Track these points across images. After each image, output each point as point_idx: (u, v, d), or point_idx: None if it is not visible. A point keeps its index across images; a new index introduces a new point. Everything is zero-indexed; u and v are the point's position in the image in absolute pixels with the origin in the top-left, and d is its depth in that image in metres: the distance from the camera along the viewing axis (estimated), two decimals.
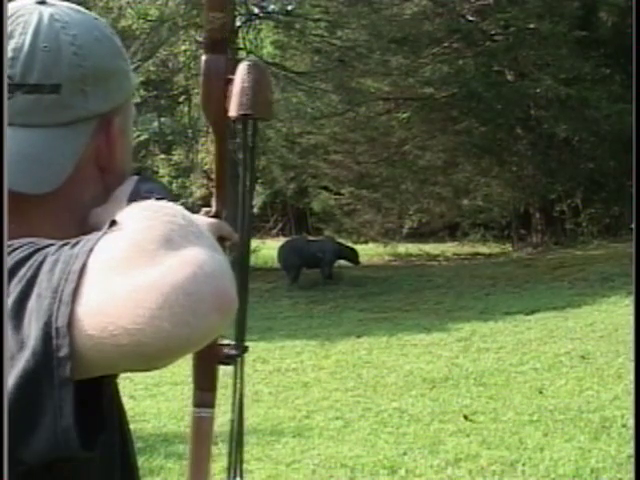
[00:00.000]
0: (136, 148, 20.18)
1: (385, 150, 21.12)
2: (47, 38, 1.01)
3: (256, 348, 9.36)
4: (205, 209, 1.33)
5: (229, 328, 1.21)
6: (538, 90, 18.88)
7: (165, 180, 23.85)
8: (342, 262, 17.07)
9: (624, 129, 14.84)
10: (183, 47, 20.96)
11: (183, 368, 8.12)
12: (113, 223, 0.84)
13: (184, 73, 21.30)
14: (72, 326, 0.78)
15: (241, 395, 1.38)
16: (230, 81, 1.25)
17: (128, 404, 1.28)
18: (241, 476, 1.38)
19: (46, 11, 1.03)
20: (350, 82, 19.61)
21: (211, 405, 1.29)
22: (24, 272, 0.83)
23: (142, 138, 22.49)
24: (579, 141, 20.20)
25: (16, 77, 0.99)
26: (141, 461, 5.31)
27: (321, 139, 21.33)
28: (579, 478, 5.29)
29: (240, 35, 18.55)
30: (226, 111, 1.25)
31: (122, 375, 0.91)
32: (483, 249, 21.55)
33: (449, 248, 21.97)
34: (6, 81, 0.95)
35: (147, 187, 1.06)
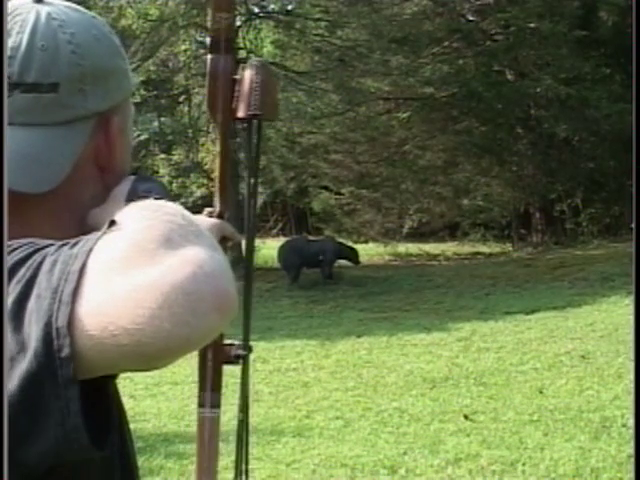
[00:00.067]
0: (136, 148, 20.18)
1: (385, 150, 21.12)
2: (45, 37, 1.01)
3: (256, 348, 9.29)
4: (208, 209, 1.33)
5: (234, 328, 1.21)
6: (538, 90, 18.88)
7: (165, 180, 23.86)
8: (342, 262, 17.07)
9: (624, 129, 14.84)
10: (183, 47, 20.97)
11: (183, 368, 8.18)
12: (112, 223, 0.84)
13: (184, 73, 21.32)
14: (72, 326, 0.78)
15: (247, 395, 1.38)
16: (235, 81, 1.25)
17: (128, 404, 1.28)
18: (247, 476, 1.38)
19: (43, 10, 1.03)
20: (350, 82, 19.62)
21: (217, 405, 1.30)
22: (23, 272, 0.83)
23: (142, 138, 22.50)
24: (579, 141, 20.20)
25: (14, 76, 0.99)
26: (141, 461, 5.32)
27: (321, 139, 21.34)
28: (579, 478, 5.29)
29: (240, 35, 18.54)
30: (232, 111, 1.25)
31: (122, 375, 0.91)
32: (483, 249, 21.55)
33: (449, 248, 21.97)
34: (6, 81, 0.95)
35: (145, 186, 1.06)
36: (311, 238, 18.99)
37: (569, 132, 19.44)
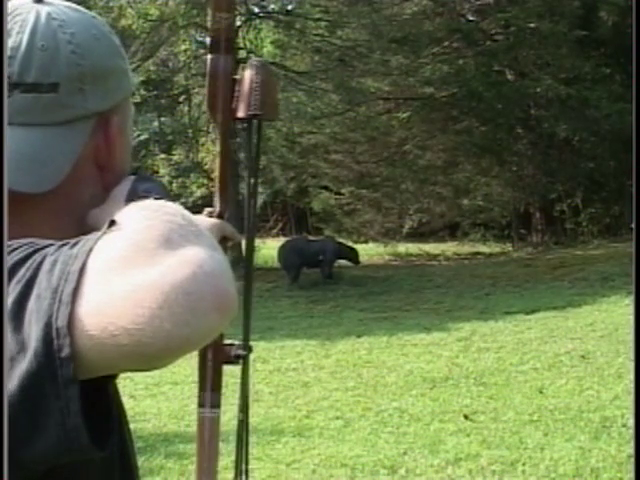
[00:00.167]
0: (136, 148, 20.19)
1: (385, 150, 21.13)
2: (44, 37, 1.01)
3: (256, 348, 9.28)
4: (208, 209, 1.33)
5: (234, 328, 1.21)
6: (538, 90, 18.89)
7: (165, 180, 23.85)
8: (342, 262, 17.07)
9: (624, 129, 14.84)
10: (183, 47, 20.98)
11: (183, 368, 8.18)
12: (112, 223, 0.84)
13: (184, 73, 21.33)
14: (72, 326, 0.78)
15: (247, 395, 1.38)
16: (235, 81, 1.25)
17: (128, 404, 1.28)
18: (247, 476, 1.38)
19: (43, 10, 1.03)
20: (350, 82, 19.62)
21: (217, 405, 1.30)
22: (23, 273, 0.83)
23: (142, 138, 22.51)
24: (579, 141, 20.20)
25: (14, 76, 0.99)
26: (141, 461, 5.32)
27: (321, 139, 21.34)
28: (579, 478, 5.29)
29: (240, 35, 18.55)
30: (232, 111, 1.25)
31: (122, 375, 0.91)
32: (483, 249, 21.55)
33: (449, 248, 21.97)
34: (6, 81, 0.95)
35: (145, 186, 1.06)
36: (311, 238, 19.00)
37: (569, 132, 19.44)
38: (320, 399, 7.76)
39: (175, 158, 24.49)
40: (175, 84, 22.22)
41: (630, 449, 5.33)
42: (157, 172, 24.03)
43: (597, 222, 20.94)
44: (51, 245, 0.86)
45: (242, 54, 17.41)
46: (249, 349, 1.33)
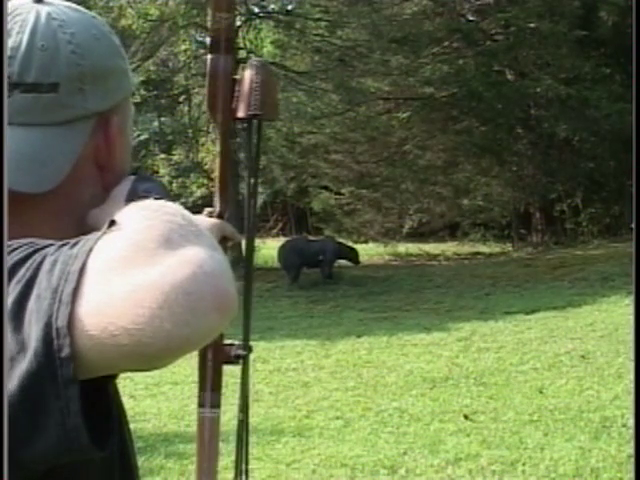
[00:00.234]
0: (136, 148, 20.18)
1: (385, 150, 21.12)
2: (44, 37, 1.01)
3: (256, 348, 9.27)
4: (208, 209, 1.33)
5: (234, 328, 1.21)
6: (538, 90, 18.89)
7: (165, 180, 23.85)
8: (342, 262, 17.06)
9: (624, 129, 14.84)
10: (183, 47, 20.98)
11: (183, 368, 8.17)
12: (112, 223, 0.84)
13: (184, 73, 21.32)
14: (72, 326, 0.78)
15: (247, 395, 1.38)
16: (235, 81, 1.25)
17: (128, 404, 1.28)
18: (247, 476, 1.38)
19: (43, 10, 1.03)
20: (350, 82, 19.62)
21: (217, 405, 1.30)
22: (23, 273, 0.83)
23: (142, 138, 22.51)
24: (579, 141, 20.20)
25: (14, 76, 0.99)
26: (141, 461, 5.32)
27: (321, 139, 21.34)
28: (579, 478, 5.29)
29: (240, 35, 18.55)
30: (232, 111, 1.25)
31: (122, 375, 0.91)
32: (483, 249, 21.55)
33: (449, 248, 21.97)
34: (6, 81, 0.95)
35: (145, 186, 1.06)
36: (311, 238, 18.99)
37: (569, 132, 19.44)
38: (320, 399, 7.76)
39: (175, 158, 24.49)
40: (175, 84, 22.22)
41: (630, 449, 5.33)
42: (157, 172, 24.03)
43: (597, 222, 20.94)
44: (51, 245, 0.86)
45: (242, 54, 17.41)
46: (249, 349, 1.33)
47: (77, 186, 1.04)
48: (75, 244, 0.83)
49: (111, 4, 19.07)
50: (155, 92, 21.67)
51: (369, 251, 21.13)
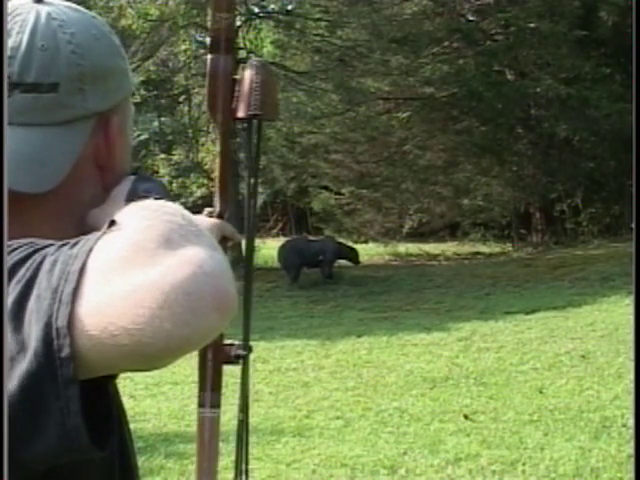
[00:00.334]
0: (136, 148, 20.18)
1: (385, 150, 21.12)
2: (44, 37, 1.01)
3: (256, 348, 9.26)
4: (208, 209, 1.33)
5: (234, 328, 1.21)
6: (538, 90, 18.88)
7: (165, 180, 23.83)
8: (342, 262, 17.06)
9: (624, 128, 14.83)
10: (183, 47, 20.97)
11: (183, 368, 8.17)
12: (112, 223, 0.84)
13: (184, 73, 21.31)
14: (72, 326, 0.78)
15: (247, 395, 1.38)
16: (235, 81, 1.25)
17: (128, 404, 1.28)
18: (247, 476, 1.38)
19: (43, 10, 1.03)
20: (350, 82, 19.61)
21: (217, 405, 1.30)
22: (23, 273, 0.83)
23: (142, 138, 22.50)
24: (579, 141, 20.19)
25: (14, 76, 0.99)
26: (141, 461, 5.32)
27: (321, 139, 21.34)
28: (579, 477, 5.29)
29: (240, 35, 18.54)
30: (232, 111, 1.25)
31: (122, 374, 0.91)
32: (483, 249, 21.54)
33: (449, 248, 21.97)
34: (6, 81, 0.95)
35: (145, 186, 1.05)
36: (311, 238, 18.99)
37: (569, 132, 19.43)
38: (320, 399, 7.76)
39: (175, 158, 24.47)
40: (175, 84, 22.21)
41: (630, 449, 5.33)
42: (157, 172, 24.02)
43: (597, 222, 20.93)
44: (51, 245, 0.85)
45: (242, 54, 17.40)
46: (249, 349, 1.33)
47: (77, 186, 1.04)
48: (75, 244, 0.83)
49: (111, 4, 19.06)
50: (155, 92, 21.66)
51: (369, 251, 21.13)
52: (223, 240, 1.29)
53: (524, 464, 5.58)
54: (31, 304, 0.80)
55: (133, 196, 1.00)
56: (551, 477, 5.35)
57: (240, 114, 1.25)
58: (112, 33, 1.10)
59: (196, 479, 1.30)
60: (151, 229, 0.81)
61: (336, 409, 7.34)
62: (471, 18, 21.16)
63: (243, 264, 1.38)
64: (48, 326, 0.78)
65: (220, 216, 1.31)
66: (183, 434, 6.62)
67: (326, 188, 23.14)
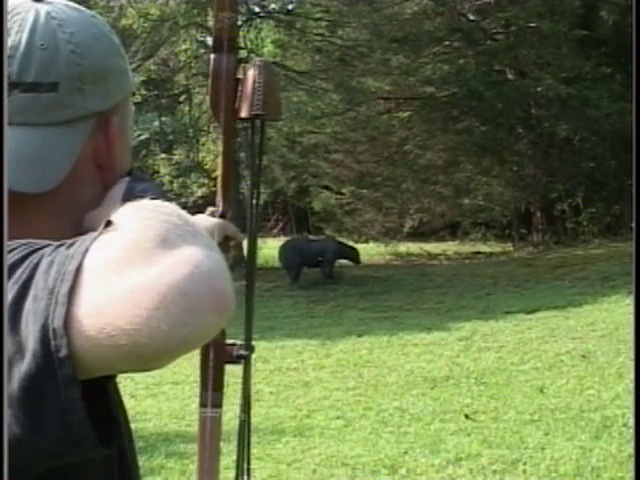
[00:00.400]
0: (137, 148, 20.19)
1: (386, 149, 21.12)
2: (44, 36, 1.00)
3: (257, 347, 9.20)
4: (211, 208, 1.33)
5: (235, 327, 1.21)
6: (539, 89, 18.88)
7: (166, 180, 23.86)
8: (343, 261, 17.06)
9: (625, 128, 14.83)
10: (184, 46, 20.95)
11: (184, 367, 8.17)
12: (109, 223, 0.84)
13: (185, 72, 21.30)
14: (69, 327, 0.77)
15: (248, 394, 1.38)
16: (238, 80, 1.25)
17: (129, 403, 1.28)
18: (248, 475, 1.38)
19: (43, 9, 1.03)
20: (351, 81, 19.61)
21: (218, 405, 1.30)
22: (20, 273, 0.83)
23: (143, 138, 22.50)
24: (580, 140, 20.19)
25: (13, 75, 0.98)
26: (142, 460, 5.31)
27: (322, 138, 21.33)
28: (580, 477, 5.29)
29: (241, 34, 18.53)
30: (235, 110, 1.25)
31: (123, 374, 0.91)
32: (484, 248, 21.54)
33: (450, 247, 21.97)
34: (6, 81, 0.95)
35: (141, 187, 1.05)
36: (312, 238, 18.99)
37: (570, 131, 19.43)
38: (321, 399, 7.76)
39: (176, 158, 24.47)
40: (176, 84, 22.19)
41: (631, 448, 5.32)
42: (158, 172, 24.03)
43: (598, 222, 20.92)
44: (49, 245, 0.85)
45: (243, 54, 17.40)
46: (251, 349, 1.33)
47: (77, 186, 1.04)
48: (72, 244, 0.83)
49: (112, 3, 19.05)
50: (156, 92, 21.65)
51: (370, 251, 21.13)
52: (225, 240, 1.29)
53: (525, 464, 5.58)
54: (28, 305, 0.80)
55: (129, 196, 0.99)
56: (552, 477, 5.35)
57: (243, 114, 1.25)
58: (112, 32, 1.10)
59: (197, 479, 1.30)
60: (148, 229, 0.81)
61: (337, 409, 7.34)
62: (472, 18, 21.16)
63: (245, 264, 1.38)
64: (45, 327, 0.78)
65: (222, 216, 1.31)
66: (184, 434, 6.62)
67: (327, 188, 23.14)
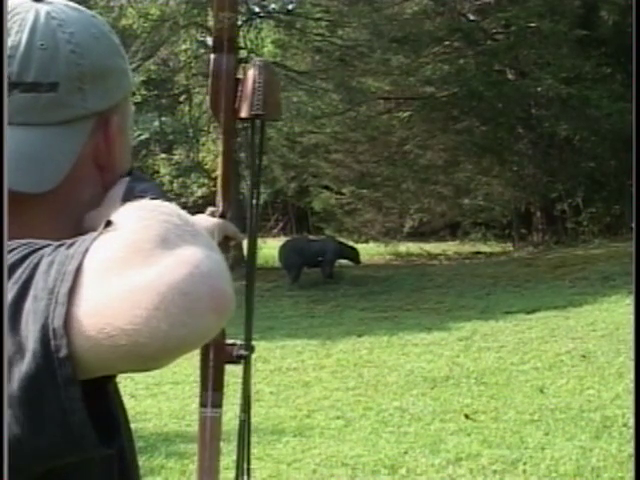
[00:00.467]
0: (137, 148, 20.19)
1: (386, 149, 21.12)
2: (44, 36, 1.00)
3: (257, 347, 9.20)
4: (211, 208, 1.33)
5: (235, 327, 1.21)
6: (539, 89, 18.89)
7: (166, 180, 23.86)
8: (343, 261, 17.06)
9: (625, 128, 14.83)
10: (184, 46, 20.96)
11: (184, 367, 8.17)
12: (109, 223, 0.84)
13: (185, 72, 21.31)
14: (69, 327, 0.77)
15: (249, 395, 1.38)
16: (238, 80, 1.25)
17: (129, 403, 1.28)
18: (248, 475, 1.38)
19: (43, 9, 1.02)
20: (351, 81, 19.62)
21: (219, 405, 1.30)
22: (20, 274, 0.83)
23: (143, 138, 22.50)
24: (580, 140, 20.19)
25: (13, 75, 0.98)
26: (142, 460, 5.31)
27: (322, 138, 21.34)
28: (580, 477, 5.29)
29: (241, 34, 18.53)
30: (235, 110, 1.25)
31: (123, 374, 0.91)
32: (484, 248, 21.54)
33: (450, 247, 21.97)
34: (6, 81, 0.95)
35: (141, 187, 1.05)
36: (312, 238, 18.99)
37: (570, 131, 19.43)
38: (321, 399, 7.76)
39: (176, 158, 24.48)
40: (176, 84, 22.20)
41: (631, 448, 5.32)
42: (158, 172, 24.03)
43: (598, 221, 20.91)
44: (48, 246, 0.85)
45: (243, 54, 17.40)
46: (251, 349, 1.33)
47: (77, 186, 1.04)
48: (72, 245, 0.83)
49: (112, 3, 19.06)
50: (156, 92, 21.64)
51: (370, 251, 21.13)
52: (225, 240, 1.29)
53: (525, 464, 5.58)
54: (28, 305, 0.80)
55: (129, 197, 0.99)
56: (552, 477, 5.35)
57: (243, 114, 1.25)
58: (112, 32, 1.10)
59: (197, 479, 1.30)
60: (148, 229, 0.81)
61: (337, 409, 7.34)
62: (472, 18, 21.16)
63: (245, 264, 1.38)
64: (45, 327, 0.78)
65: (222, 216, 1.31)
66: (184, 434, 6.62)
67: (327, 188, 23.15)
